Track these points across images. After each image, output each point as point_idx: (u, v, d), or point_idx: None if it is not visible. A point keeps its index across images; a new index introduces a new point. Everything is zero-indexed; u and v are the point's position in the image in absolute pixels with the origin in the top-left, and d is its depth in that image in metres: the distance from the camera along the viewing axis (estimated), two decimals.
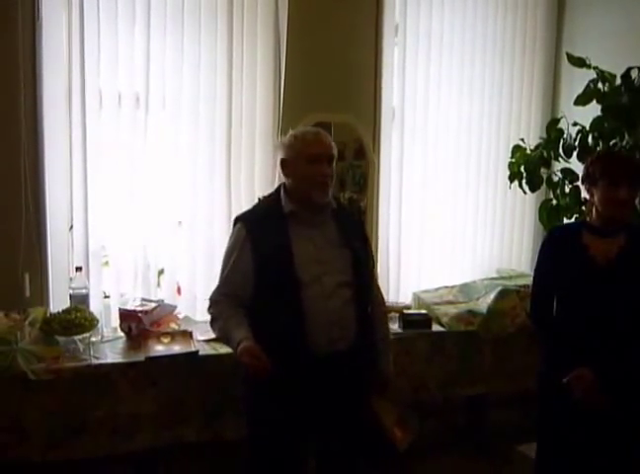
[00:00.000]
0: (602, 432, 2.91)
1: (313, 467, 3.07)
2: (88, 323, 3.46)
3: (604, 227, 2.96)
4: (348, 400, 2.93)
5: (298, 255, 2.84)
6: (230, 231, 3.94)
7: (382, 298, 3.27)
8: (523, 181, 4.22)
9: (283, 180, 3.01)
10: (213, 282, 3.99)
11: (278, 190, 3.02)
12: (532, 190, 4.24)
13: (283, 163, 2.96)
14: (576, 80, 4.31)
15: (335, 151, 2.95)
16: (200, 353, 3.50)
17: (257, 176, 4.16)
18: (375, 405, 3.06)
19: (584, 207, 3.91)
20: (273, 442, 2.92)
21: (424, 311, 4.16)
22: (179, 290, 4.10)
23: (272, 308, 2.84)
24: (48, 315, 3.53)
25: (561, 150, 4.06)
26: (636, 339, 2.88)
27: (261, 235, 2.87)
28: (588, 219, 3.08)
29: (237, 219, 3.03)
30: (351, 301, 2.91)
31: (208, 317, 3.03)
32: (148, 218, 3.96)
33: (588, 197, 3.04)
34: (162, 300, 3.87)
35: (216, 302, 2.97)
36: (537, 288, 3.17)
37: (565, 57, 4.19)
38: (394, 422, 3.13)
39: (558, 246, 3.07)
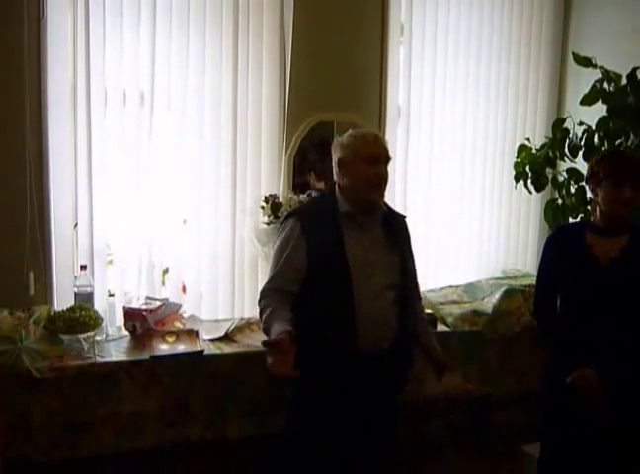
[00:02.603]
0: (605, 431, 2.92)
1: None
2: (92, 321, 3.47)
3: (608, 227, 2.98)
4: (380, 396, 3.01)
5: (350, 256, 2.90)
6: (235, 229, 4.06)
7: (420, 296, 3.38)
8: (529, 180, 4.21)
9: (338, 180, 3.05)
10: (218, 281, 4.08)
11: (332, 189, 3.07)
12: (538, 189, 4.23)
13: (341, 163, 3.00)
14: (582, 80, 4.30)
15: (389, 154, 3.02)
16: (206, 352, 3.50)
17: (262, 174, 4.15)
18: (443, 383, 3.22)
19: (589, 207, 3.92)
20: (318, 437, 2.98)
21: (429, 311, 4.14)
22: (184, 289, 4.10)
23: (322, 305, 2.90)
24: (53, 313, 3.54)
25: (567, 150, 4.05)
26: (638, 338, 2.89)
27: (316, 233, 2.93)
28: (591, 219, 3.09)
29: (290, 215, 3.08)
30: (394, 303, 3.00)
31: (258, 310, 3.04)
32: (153, 217, 3.95)
33: (592, 196, 3.05)
34: (167, 299, 3.87)
35: (265, 296, 2.98)
36: (540, 288, 3.20)
37: (571, 57, 4.17)
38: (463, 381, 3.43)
39: (561, 246, 3.10)
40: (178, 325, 3.76)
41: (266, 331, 2.89)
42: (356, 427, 2.99)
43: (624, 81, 3.87)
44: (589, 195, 3.82)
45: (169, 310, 3.78)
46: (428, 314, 4.07)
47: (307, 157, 4.22)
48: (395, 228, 3.10)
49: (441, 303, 4.25)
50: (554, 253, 3.11)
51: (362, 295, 2.89)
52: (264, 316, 2.93)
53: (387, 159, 3.00)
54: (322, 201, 3.18)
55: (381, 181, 2.97)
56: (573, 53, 4.11)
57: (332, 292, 2.90)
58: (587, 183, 3.10)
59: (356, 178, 2.95)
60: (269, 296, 2.96)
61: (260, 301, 3.00)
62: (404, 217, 3.26)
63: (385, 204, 3.14)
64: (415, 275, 3.26)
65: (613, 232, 2.97)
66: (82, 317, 3.44)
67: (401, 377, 3.12)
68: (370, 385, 2.94)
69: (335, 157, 3.03)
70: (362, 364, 2.89)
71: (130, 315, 3.63)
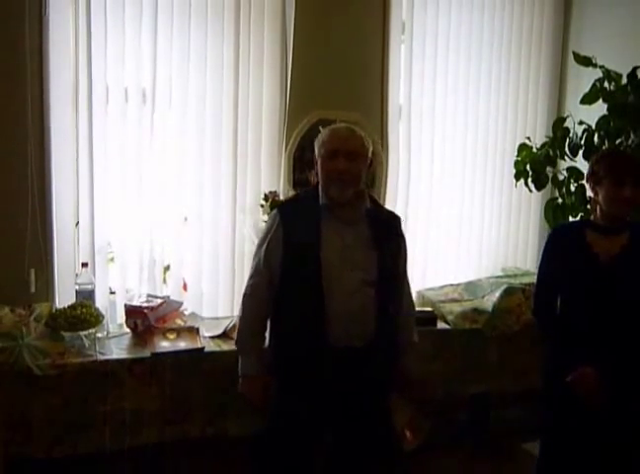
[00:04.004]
0: (606, 430, 2.92)
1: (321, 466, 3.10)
2: (94, 319, 3.47)
3: (608, 225, 2.98)
4: (362, 396, 2.94)
5: (326, 250, 2.87)
6: (236, 226, 4.08)
7: (411, 300, 3.29)
8: (529, 179, 4.20)
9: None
10: (219, 279, 4.08)
11: (317, 183, 3.04)
12: (538, 188, 4.23)
13: (314, 160, 3.01)
14: (582, 79, 4.29)
15: (357, 147, 2.92)
16: (206, 349, 3.50)
17: (263, 172, 4.15)
18: (391, 403, 3.10)
19: (589, 206, 3.92)
20: (289, 435, 2.97)
21: (429, 309, 4.16)
22: (185, 287, 4.10)
23: (295, 298, 2.90)
24: (54, 311, 3.54)
25: (567, 149, 4.04)
26: (638, 337, 2.89)
27: (294, 225, 2.92)
28: (592, 217, 3.08)
29: (274, 207, 3.14)
30: (372, 300, 2.91)
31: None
32: (154, 214, 3.96)
33: (592, 195, 3.04)
34: (168, 296, 3.88)
35: (245, 294, 3.04)
36: (541, 286, 3.18)
37: (571, 56, 4.18)
38: (406, 422, 3.14)
39: (561, 244, 3.09)
40: (179, 322, 3.77)
41: (237, 343, 3.10)
42: (335, 427, 2.99)
43: (624, 80, 3.87)
44: (589, 193, 3.85)
45: (170, 308, 3.79)
46: (428, 312, 4.10)
47: (308, 155, 4.21)
48: (381, 226, 3.01)
49: (442, 301, 4.24)
50: (554, 251, 3.10)
51: (336, 290, 2.84)
52: (239, 323, 3.08)
53: (348, 152, 2.88)
54: (306, 195, 3.12)
55: (340, 175, 2.86)
56: (573, 52, 4.11)
57: (304, 285, 2.88)
58: (587, 181, 3.10)
59: (320, 173, 2.94)
60: (248, 295, 3.03)
61: (243, 298, 3.06)
62: (395, 216, 3.21)
63: (374, 202, 3.09)
64: (401, 275, 3.15)
65: (614, 231, 2.97)
66: (83, 314, 3.44)
67: (380, 379, 3.02)
68: (344, 384, 2.89)
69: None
70: (334, 362, 2.85)
71: (131, 312, 3.64)
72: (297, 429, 2.95)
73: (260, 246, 3.00)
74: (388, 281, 2.98)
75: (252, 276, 3.02)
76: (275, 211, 3.03)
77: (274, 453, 3.04)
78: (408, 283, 3.26)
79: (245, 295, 3.04)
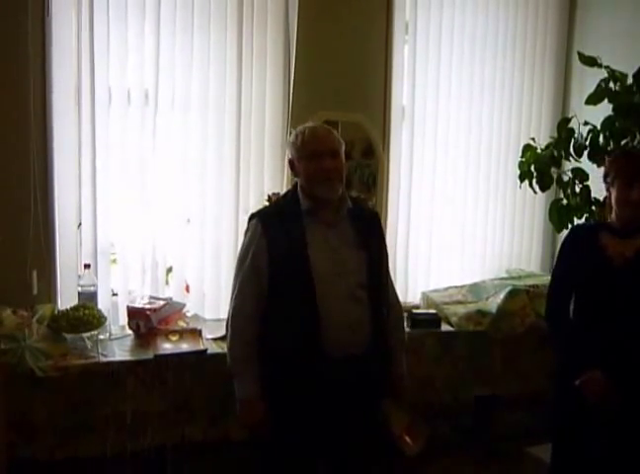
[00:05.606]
0: (616, 433, 2.88)
1: None
2: (96, 320, 3.46)
3: (623, 228, 2.93)
4: (361, 404, 2.88)
5: (314, 255, 2.78)
6: (238, 228, 4.05)
7: (397, 300, 3.20)
8: (534, 180, 4.17)
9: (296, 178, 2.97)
10: (221, 280, 4.07)
11: (295, 187, 2.96)
12: (543, 189, 4.20)
13: (290, 163, 2.93)
14: (587, 79, 4.28)
15: (337, 145, 2.87)
16: (209, 351, 3.49)
17: (266, 173, 4.15)
18: (387, 409, 3.02)
19: (594, 207, 3.90)
20: (286, 448, 2.88)
21: (433, 311, 4.15)
22: (187, 288, 4.10)
23: (286, 309, 2.79)
24: (56, 312, 3.54)
25: (572, 150, 4.01)
26: None
27: (277, 233, 2.81)
28: (608, 220, 3.04)
29: (253, 216, 2.96)
30: (365, 303, 2.84)
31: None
32: (157, 216, 3.96)
33: (607, 197, 3.00)
34: (170, 298, 3.87)
35: (234, 317, 2.88)
36: (555, 288, 3.13)
37: (576, 56, 4.14)
38: (404, 428, 3.09)
39: (576, 246, 3.04)
40: (181, 324, 3.75)
41: (230, 366, 2.90)
42: (335, 438, 2.91)
43: (630, 80, 3.85)
44: (593, 194, 3.84)
45: (172, 309, 3.78)
46: (432, 314, 4.09)
47: None
48: (364, 224, 2.94)
49: (446, 303, 4.24)
50: (569, 253, 3.05)
51: (329, 297, 2.76)
52: (229, 346, 2.91)
53: (332, 151, 2.83)
54: (285, 200, 3.04)
55: (328, 174, 2.79)
56: (578, 53, 4.09)
57: (295, 295, 2.78)
58: (604, 182, 3.04)
59: (304, 176, 2.85)
60: (236, 317, 2.87)
61: (228, 320, 2.91)
62: (375, 213, 3.17)
63: (353, 199, 3.01)
64: (387, 274, 3.09)
65: (629, 233, 2.91)
66: (85, 316, 3.43)
67: (377, 386, 2.95)
68: (341, 392, 2.81)
69: (287, 158, 2.98)
70: (332, 372, 2.76)
71: (134, 314, 3.63)
72: (297, 446, 2.86)
73: (242, 261, 2.87)
74: (378, 281, 2.93)
75: (237, 296, 2.87)
76: (254, 221, 2.89)
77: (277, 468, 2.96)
78: (391, 281, 3.18)
79: (233, 317, 2.88)
